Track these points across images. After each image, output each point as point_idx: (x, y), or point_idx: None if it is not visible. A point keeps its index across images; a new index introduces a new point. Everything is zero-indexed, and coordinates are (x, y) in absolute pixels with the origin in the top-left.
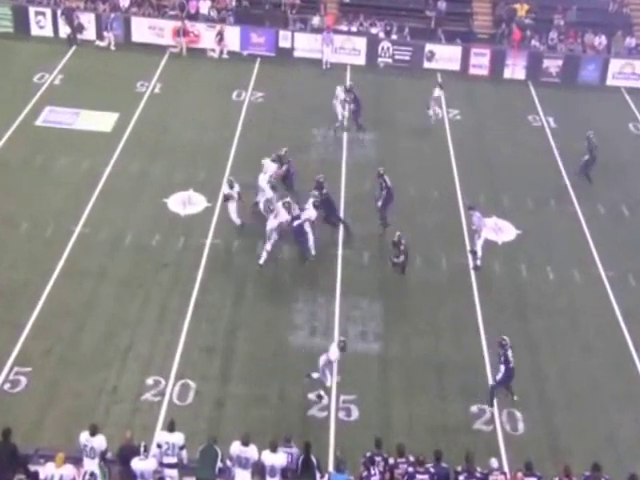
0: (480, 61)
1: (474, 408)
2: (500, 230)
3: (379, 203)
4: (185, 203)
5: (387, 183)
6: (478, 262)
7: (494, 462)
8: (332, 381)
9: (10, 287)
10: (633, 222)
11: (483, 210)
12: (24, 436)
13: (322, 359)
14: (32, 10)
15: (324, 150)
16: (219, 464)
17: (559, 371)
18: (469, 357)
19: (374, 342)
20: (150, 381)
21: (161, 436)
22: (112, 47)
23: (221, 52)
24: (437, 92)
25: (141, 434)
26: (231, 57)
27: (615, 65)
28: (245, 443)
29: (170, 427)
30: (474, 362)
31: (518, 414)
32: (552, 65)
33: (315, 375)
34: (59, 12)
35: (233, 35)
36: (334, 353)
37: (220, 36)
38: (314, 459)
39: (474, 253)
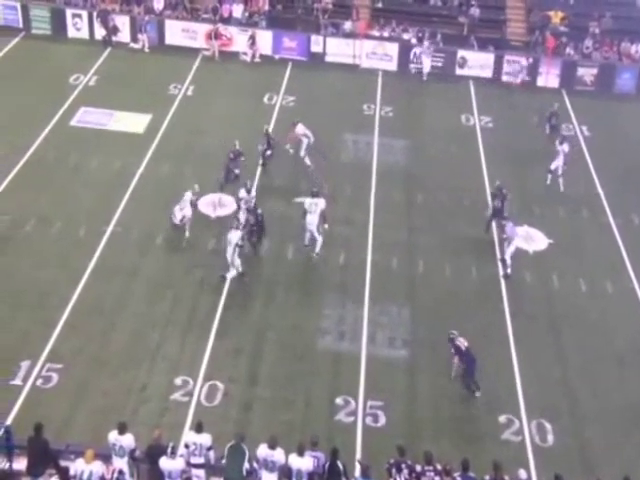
0: (513, 68)
1: (502, 418)
2: (531, 239)
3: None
4: (215, 205)
5: (505, 196)
6: (508, 270)
7: (523, 473)
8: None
9: (43, 285)
10: None
11: (515, 218)
12: (55, 432)
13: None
14: (69, 12)
15: (354, 155)
16: (246, 464)
17: (590, 383)
18: (498, 366)
19: (402, 348)
20: (179, 381)
21: (189, 436)
22: (146, 49)
23: (253, 56)
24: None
25: (169, 434)
26: (263, 61)
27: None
28: (272, 446)
29: (198, 428)
30: (503, 372)
31: (548, 425)
32: (587, 74)
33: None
34: (95, 15)
35: (265, 39)
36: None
37: (252, 40)
38: (340, 465)
39: (504, 261)
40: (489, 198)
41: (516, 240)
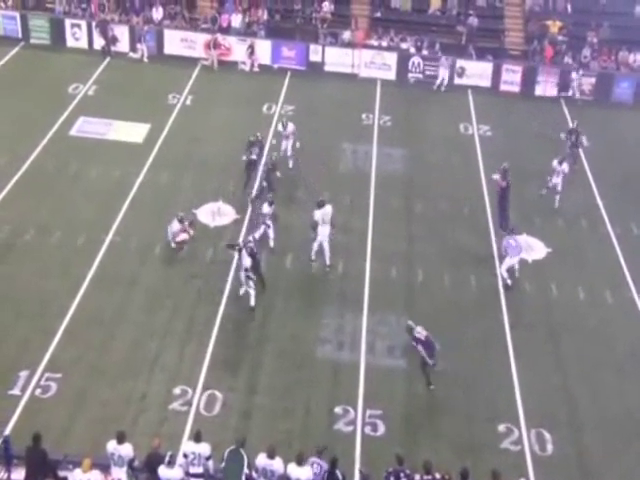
0: (511, 78)
1: (502, 427)
2: (530, 248)
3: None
4: (214, 214)
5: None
6: (508, 282)
7: None
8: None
9: (42, 294)
10: None
11: (514, 227)
12: (53, 441)
13: None
14: (68, 22)
15: (353, 164)
16: (245, 470)
17: (590, 392)
18: (497, 376)
19: (401, 358)
20: (177, 391)
21: (187, 446)
22: (145, 59)
23: (252, 65)
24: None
25: (168, 443)
26: (262, 70)
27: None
28: (271, 456)
29: (196, 437)
30: (502, 381)
31: (547, 435)
32: (585, 82)
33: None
34: (94, 24)
35: (264, 49)
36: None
37: (251, 49)
38: (340, 474)
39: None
40: (487, 207)
41: (515, 258)
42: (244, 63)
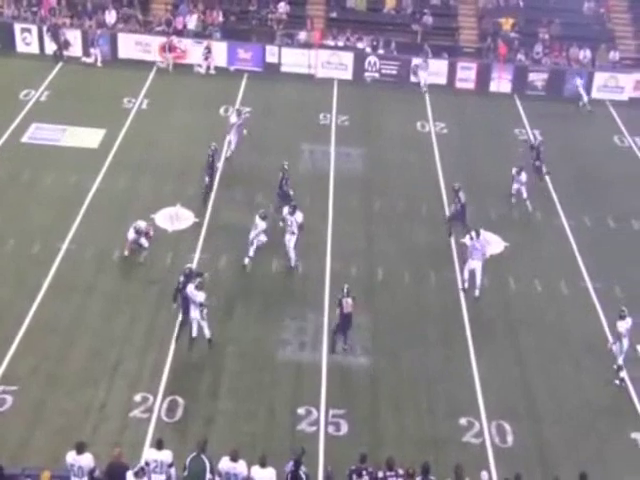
0: (466, 75)
1: (463, 421)
2: (487, 243)
3: (448, 216)
4: (173, 219)
5: (461, 200)
6: (465, 284)
7: (484, 475)
8: None
9: None
10: (619, 234)
11: (470, 222)
12: (10, 455)
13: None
14: (18, 27)
15: (312, 165)
16: (208, 476)
17: (548, 385)
18: (458, 370)
19: (363, 356)
20: (138, 398)
21: (149, 454)
22: (99, 63)
23: (208, 68)
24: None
25: (130, 451)
26: (218, 73)
27: (600, 78)
28: (234, 459)
29: (158, 445)
30: (463, 375)
31: (507, 427)
32: (537, 78)
33: None
34: (45, 29)
35: (220, 51)
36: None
37: (208, 50)
38: (303, 474)
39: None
40: (445, 204)
41: (474, 262)
42: (200, 66)
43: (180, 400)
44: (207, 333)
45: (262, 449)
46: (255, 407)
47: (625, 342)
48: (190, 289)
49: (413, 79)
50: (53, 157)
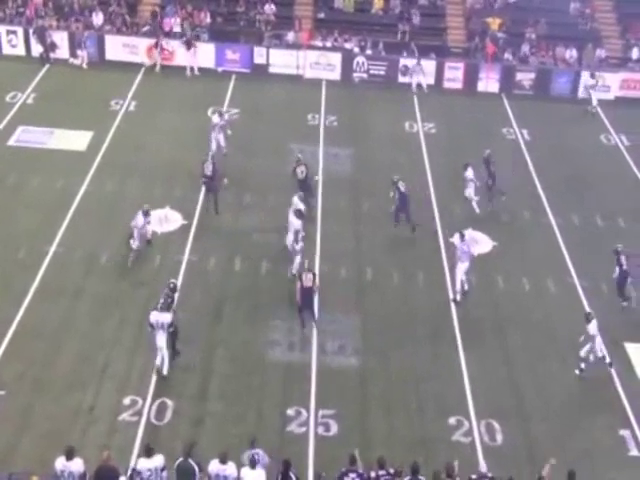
0: (454, 75)
1: (452, 420)
2: (476, 242)
3: (392, 208)
4: (161, 221)
5: (401, 190)
6: (457, 297)
7: (483, 466)
8: None
9: None
10: (606, 232)
11: (458, 222)
12: None
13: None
14: (3, 29)
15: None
16: None
17: (536, 382)
18: (447, 370)
19: (352, 356)
20: (127, 401)
21: (141, 464)
22: (84, 65)
23: (192, 69)
24: None
25: (119, 454)
26: (206, 74)
27: (586, 77)
28: (223, 461)
29: (147, 452)
30: (452, 375)
31: (496, 425)
32: (525, 78)
33: None
34: (31, 31)
35: (208, 52)
36: None
37: (188, 45)
38: (293, 476)
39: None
40: (434, 204)
41: (463, 265)
42: (192, 69)
43: (169, 402)
44: (165, 369)
45: (252, 436)
46: (244, 409)
47: (598, 340)
48: (154, 316)
49: (402, 79)
50: (40, 160)
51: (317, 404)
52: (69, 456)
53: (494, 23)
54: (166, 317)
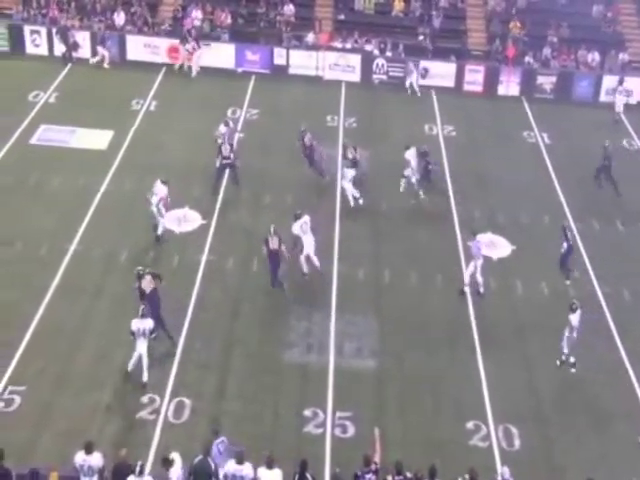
0: (474, 78)
1: (470, 424)
2: (495, 246)
3: None
4: (180, 220)
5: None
6: (465, 288)
7: (506, 472)
8: None
9: (4, 306)
10: (627, 237)
11: (478, 226)
12: (18, 456)
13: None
14: (27, 29)
15: (319, 165)
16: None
17: (554, 387)
18: (464, 373)
19: (369, 358)
20: (145, 399)
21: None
22: (106, 65)
23: (186, 67)
24: None
25: (136, 452)
26: (225, 74)
27: (608, 81)
28: (240, 461)
29: (165, 463)
30: (469, 378)
31: (514, 430)
32: (546, 82)
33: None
34: (54, 31)
35: (228, 52)
36: None
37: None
38: (310, 477)
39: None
40: (453, 206)
41: (479, 261)
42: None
43: (187, 401)
44: (145, 376)
45: (268, 451)
46: (261, 409)
47: (575, 334)
48: (135, 323)
49: (422, 81)
50: (61, 158)
51: (334, 406)
52: (88, 450)
53: (515, 26)
54: (148, 323)
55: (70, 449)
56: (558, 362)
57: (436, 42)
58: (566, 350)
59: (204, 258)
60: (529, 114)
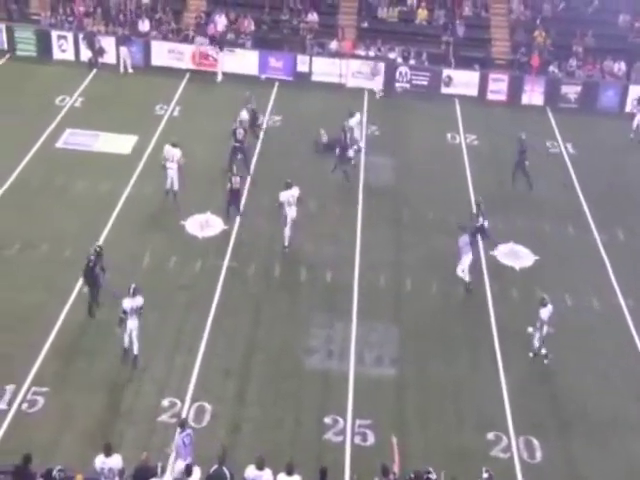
0: (498, 87)
1: (491, 435)
2: (517, 256)
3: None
4: (203, 226)
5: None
6: (468, 280)
7: None
8: None
9: (29, 307)
10: None
11: (500, 235)
12: (40, 456)
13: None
14: (54, 34)
15: (341, 173)
16: None
17: (577, 399)
18: (485, 383)
19: (390, 366)
20: (166, 403)
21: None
22: (130, 70)
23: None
24: None
25: (157, 456)
26: (248, 81)
27: (634, 91)
28: (260, 467)
29: (188, 472)
30: (490, 388)
31: (535, 442)
32: (570, 91)
33: None
34: (81, 36)
35: (251, 59)
36: None
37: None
38: None
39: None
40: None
41: (466, 257)
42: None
43: (207, 406)
44: (136, 348)
45: (288, 457)
46: (282, 415)
47: (545, 329)
48: (127, 302)
49: (445, 90)
50: (86, 162)
51: (354, 413)
52: (107, 452)
53: (540, 35)
54: (138, 301)
55: (91, 451)
56: (531, 354)
57: (460, 51)
58: (537, 343)
59: (226, 264)
60: (553, 124)
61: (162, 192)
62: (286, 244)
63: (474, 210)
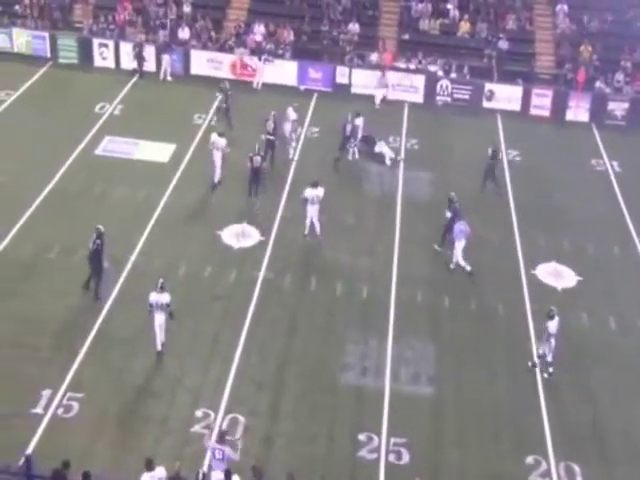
0: (541, 102)
1: (529, 459)
2: (560, 276)
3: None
4: (239, 236)
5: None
6: (467, 268)
7: None
8: None
9: (66, 312)
10: None
11: (542, 254)
12: (75, 461)
13: None
14: (96, 42)
15: (379, 187)
16: None
17: (621, 425)
18: (525, 404)
19: (426, 385)
20: (199, 413)
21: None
22: (168, 77)
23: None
24: None
25: (190, 466)
26: (287, 91)
27: None
28: None
29: (227, 477)
30: (530, 410)
31: (577, 468)
32: (617, 108)
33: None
34: (132, 46)
35: (290, 70)
36: None
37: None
38: None
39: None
40: (516, 233)
41: (460, 242)
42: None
43: (241, 418)
44: (159, 344)
45: (321, 473)
46: (315, 430)
47: (553, 341)
48: (154, 296)
49: (487, 104)
50: (125, 170)
51: (389, 431)
52: (149, 467)
53: (586, 50)
54: (165, 297)
55: (124, 458)
56: (530, 363)
57: (503, 65)
58: (541, 351)
59: (261, 274)
60: (598, 141)
61: (198, 204)
62: (306, 232)
63: (448, 204)
